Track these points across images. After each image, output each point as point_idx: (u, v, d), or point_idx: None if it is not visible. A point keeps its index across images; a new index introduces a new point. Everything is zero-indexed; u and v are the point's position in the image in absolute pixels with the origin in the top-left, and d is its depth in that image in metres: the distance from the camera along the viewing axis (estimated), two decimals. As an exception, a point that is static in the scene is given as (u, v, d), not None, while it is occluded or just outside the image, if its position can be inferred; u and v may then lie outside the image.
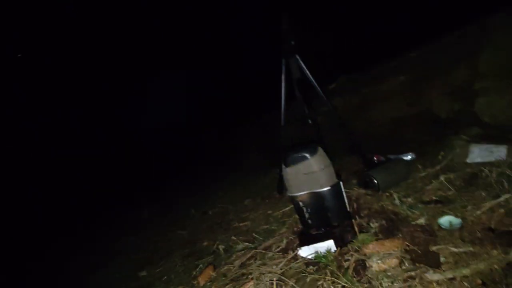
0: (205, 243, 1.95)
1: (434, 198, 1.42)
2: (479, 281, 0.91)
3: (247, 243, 1.63)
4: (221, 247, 1.71)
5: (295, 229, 1.58)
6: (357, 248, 1.19)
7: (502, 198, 1.19)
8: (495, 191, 1.26)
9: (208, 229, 2.26)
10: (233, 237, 1.79)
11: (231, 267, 1.43)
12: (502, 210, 1.14)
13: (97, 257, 2.85)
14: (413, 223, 1.27)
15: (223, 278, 1.39)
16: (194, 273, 1.62)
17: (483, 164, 1.47)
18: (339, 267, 1.13)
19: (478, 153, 1.54)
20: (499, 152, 1.46)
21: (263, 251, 1.45)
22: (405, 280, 0.98)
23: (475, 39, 1.44)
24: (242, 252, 1.55)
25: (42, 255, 3.74)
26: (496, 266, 0.93)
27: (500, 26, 1.29)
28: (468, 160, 1.57)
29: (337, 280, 1.07)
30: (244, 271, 1.35)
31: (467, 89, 1.46)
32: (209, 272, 1.49)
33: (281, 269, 1.25)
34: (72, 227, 4.65)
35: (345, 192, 1.40)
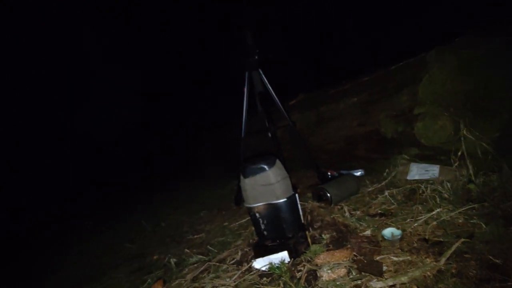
0: (155, 257, 1.84)
1: (379, 211, 1.54)
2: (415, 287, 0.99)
3: (200, 256, 1.58)
4: (172, 260, 1.62)
5: (251, 241, 1.58)
6: (309, 259, 1.22)
7: (434, 212, 1.33)
8: (429, 205, 1.41)
9: (159, 242, 2.14)
10: (186, 250, 1.71)
11: (183, 281, 1.36)
12: (434, 223, 1.27)
13: (27, 275, 2.50)
14: (361, 234, 1.35)
15: (173, 293, 1.32)
16: (142, 289, 1.51)
17: (420, 181, 1.64)
18: (292, 277, 1.15)
19: (416, 171, 1.72)
20: (433, 171, 1.64)
21: (217, 264, 1.41)
22: (352, 289, 1.04)
23: (416, 70, 1.64)
24: (195, 265, 1.49)
25: None
26: (429, 273, 1.02)
27: (436, 60, 1.49)
28: (408, 177, 1.74)
29: (289, 291, 1.08)
30: (196, 285, 1.29)
31: (408, 113, 1.63)
32: (159, 287, 1.40)
33: (234, 281, 1.23)
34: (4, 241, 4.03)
35: (300, 204, 1.44)
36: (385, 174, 1.90)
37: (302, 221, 1.42)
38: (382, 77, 1.89)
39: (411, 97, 1.62)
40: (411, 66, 1.69)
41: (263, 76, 2.12)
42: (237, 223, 1.92)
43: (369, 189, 1.82)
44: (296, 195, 1.38)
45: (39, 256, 3.02)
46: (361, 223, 1.45)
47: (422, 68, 1.59)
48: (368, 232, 1.36)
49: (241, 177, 1.35)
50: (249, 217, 1.60)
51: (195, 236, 1.94)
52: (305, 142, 2.27)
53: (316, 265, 1.18)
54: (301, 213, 1.40)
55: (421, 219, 1.32)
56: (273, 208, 1.32)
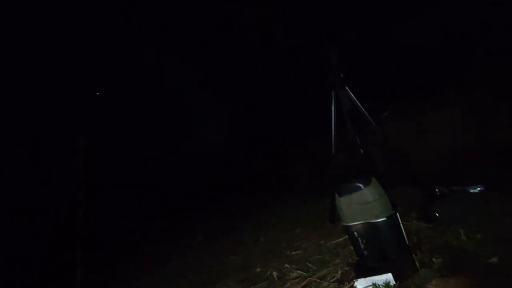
0: (258, 269, 2.01)
1: (510, 236, 1.30)
2: None
3: (300, 272, 1.65)
4: (275, 274, 1.75)
5: (350, 260, 1.56)
6: (419, 284, 1.14)
7: None
8: None
9: (260, 256, 2.31)
10: (286, 265, 1.82)
11: (286, 295, 1.46)
12: None
13: (154, 277, 3.04)
14: (484, 262, 1.17)
15: (278, 305, 1.42)
16: (249, 298, 1.68)
17: None
18: (400, 302, 1.10)
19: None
20: None
21: (318, 280, 1.46)
22: (476, 323, 0.92)
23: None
24: (296, 280, 1.57)
25: (95, 272, 3.91)
26: None
27: None
28: (550, 195, 1.41)
29: (397, 316, 1.04)
30: (299, 299, 1.37)
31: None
32: (264, 298, 1.54)
33: (337, 299, 1.25)
34: (128, 245, 5.00)
35: (403, 224, 1.36)
36: (514, 190, 1.58)
37: (407, 243, 1.33)
38: (497, 76, 1.63)
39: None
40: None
41: (350, 93, 2.13)
42: (333, 241, 1.92)
43: (493, 209, 1.55)
44: (397, 214, 1.32)
45: (164, 261, 3.64)
46: (484, 248, 1.26)
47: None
48: (494, 259, 1.17)
49: (336, 196, 1.39)
50: (346, 236, 1.60)
51: (293, 253, 2.03)
52: (403, 156, 2.12)
53: (428, 291, 1.09)
54: (404, 233, 1.32)
55: None
56: (372, 228, 1.30)
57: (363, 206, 1.30)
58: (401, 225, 1.32)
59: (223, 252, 2.87)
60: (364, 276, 1.27)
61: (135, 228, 5.66)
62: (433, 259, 1.27)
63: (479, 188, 1.86)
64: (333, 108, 2.21)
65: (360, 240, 1.34)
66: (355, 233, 1.35)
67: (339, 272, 1.46)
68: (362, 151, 2.12)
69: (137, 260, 4.04)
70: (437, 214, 1.55)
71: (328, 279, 1.45)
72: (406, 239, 1.33)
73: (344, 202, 1.35)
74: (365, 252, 1.33)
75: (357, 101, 2.09)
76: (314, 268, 1.64)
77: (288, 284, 1.58)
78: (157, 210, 6.36)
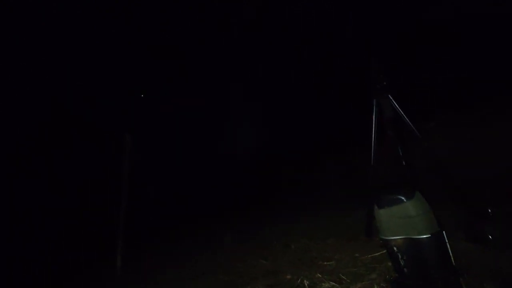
0: (288, 276, 1.98)
1: None
2: None
3: (333, 283, 1.61)
4: (306, 282, 1.72)
5: (387, 277, 1.48)
6: (467, 310, 1.05)
7: None
8: None
9: (290, 263, 2.29)
10: (318, 275, 1.78)
11: (317, 305, 1.43)
12: None
13: (183, 273, 3.11)
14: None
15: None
16: (278, 303, 1.67)
17: None
18: (444, 327, 1.02)
19: None
20: None
21: (352, 294, 1.41)
22: None
23: None
24: (328, 291, 1.53)
25: (124, 265, 3.87)
26: None
27: None
28: None
29: None
30: (331, 310, 1.33)
31: None
32: (294, 306, 1.52)
33: (372, 316, 1.20)
34: (158, 242, 5.17)
35: (449, 244, 1.27)
36: None
37: (453, 264, 1.23)
38: None
39: None
40: None
41: (393, 101, 2.04)
42: (369, 255, 1.84)
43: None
44: (444, 232, 1.23)
45: (193, 259, 3.72)
46: (546, 279, 1.12)
47: None
48: (559, 293, 1.04)
49: (375, 207, 1.34)
50: (384, 251, 1.53)
51: (325, 263, 1.98)
52: (450, 171, 1.96)
53: (477, 319, 1.00)
54: (451, 254, 1.23)
55: None
56: (414, 244, 1.22)
57: (404, 220, 1.24)
58: (448, 244, 1.23)
59: (252, 255, 2.88)
60: (403, 295, 1.19)
61: (166, 226, 5.88)
62: (484, 285, 1.17)
63: (541, 212, 1.67)
64: (374, 116, 2.14)
65: (400, 256, 1.27)
66: (395, 248, 1.28)
67: (375, 287, 1.40)
68: (404, 163, 2.02)
69: (166, 255, 4.17)
70: (490, 236, 1.42)
71: (363, 293, 1.39)
72: (453, 260, 1.23)
73: (384, 215, 1.30)
74: (405, 270, 1.26)
75: (400, 110, 2.00)
76: (348, 281, 1.59)
77: (320, 294, 1.54)
78: (189, 209, 6.58)
